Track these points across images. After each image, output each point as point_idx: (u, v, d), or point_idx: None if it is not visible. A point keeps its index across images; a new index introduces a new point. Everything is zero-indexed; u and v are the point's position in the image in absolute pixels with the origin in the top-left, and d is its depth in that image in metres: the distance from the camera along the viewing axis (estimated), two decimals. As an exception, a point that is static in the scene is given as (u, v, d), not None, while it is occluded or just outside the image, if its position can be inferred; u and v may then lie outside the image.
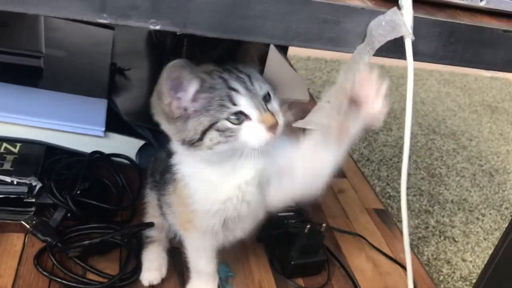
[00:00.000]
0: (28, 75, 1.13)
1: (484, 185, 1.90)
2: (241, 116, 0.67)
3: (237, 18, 0.52)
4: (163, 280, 0.91)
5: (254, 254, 1.02)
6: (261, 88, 0.70)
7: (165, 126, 0.71)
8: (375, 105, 0.60)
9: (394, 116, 2.28)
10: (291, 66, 1.89)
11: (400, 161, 1.94)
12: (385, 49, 0.56)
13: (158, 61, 1.39)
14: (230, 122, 0.67)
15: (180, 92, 0.67)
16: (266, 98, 0.71)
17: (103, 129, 1.07)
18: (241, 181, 0.74)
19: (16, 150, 1.01)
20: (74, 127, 1.05)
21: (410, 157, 1.97)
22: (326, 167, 0.71)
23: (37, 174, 0.97)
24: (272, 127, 0.68)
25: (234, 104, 0.67)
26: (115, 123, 1.10)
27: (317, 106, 0.67)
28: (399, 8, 0.55)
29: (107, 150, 1.08)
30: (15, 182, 0.94)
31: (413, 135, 2.15)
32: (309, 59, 2.71)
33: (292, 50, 2.37)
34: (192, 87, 0.67)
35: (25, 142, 1.02)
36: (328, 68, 2.64)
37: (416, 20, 0.55)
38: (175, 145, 0.75)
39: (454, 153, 2.09)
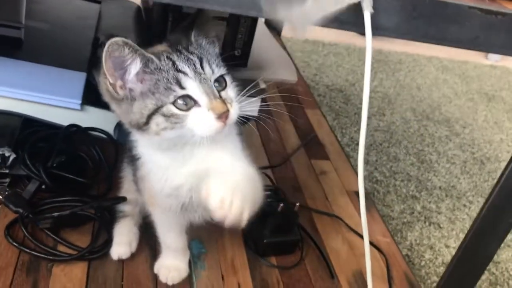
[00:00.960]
0: (7, 46, 1.11)
1: (474, 173, 1.89)
2: (189, 102, 0.65)
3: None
4: (134, 255, 0.91)
5: (228, 231, 1.02)
6: (213, 72, 0.67)
7: (113, 107, 0.69)
8: None
9: (388, 101, 2.26)
10: (283, 46, 1.87)
11: (390, 146, 1.92)
12: (345, 22, 0.55)
13: (143, 37, 1.37)
14: (177, 107, 0.64)
15: (122, 72, 0.64)
16: (221, 84, 0.68)
17: (80, 101, 1.06)
18: (191, 170, 0.72)
19: None
20: (51, 99, 1.04)
21: (401, 142, 1.98)
22: None
23: (11, 145, 0.97)
24: (222, 116, 0.65)
25: (182, 88, 0.64)
26: (94, 97, 1.07)
27: None
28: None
29: (84, 124, 1.08)
30: None
31: (406, 121, 2.14)
32: (307, 41, 2.68)
33: (288, 32, 2.34)
34: (134, 67, 0.64)
35: (1, 113, 1.02)
36: (325, 51, 2.61)
37: (376, -9, 0.54)
38: (131, 130, 0.74)
39: (446, 140, 2.07)
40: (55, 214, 0.89)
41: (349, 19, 0.54)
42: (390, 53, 2.77)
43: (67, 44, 1.20)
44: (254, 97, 0.84)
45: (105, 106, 1.08)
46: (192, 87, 0.65)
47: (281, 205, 0.96)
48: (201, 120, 0.65)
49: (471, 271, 0.86)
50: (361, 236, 1.10)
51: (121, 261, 0.90)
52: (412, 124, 2.12)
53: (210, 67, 0.67)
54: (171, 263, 0.89)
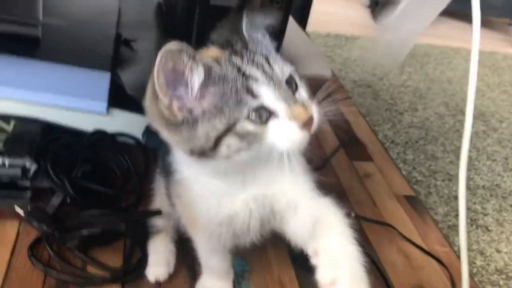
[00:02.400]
0: (24, 45, 1.04)
1: (517, 170, 1.77)
2: (264, 113, 0.53)
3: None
4: (171, 275, 0.82)
5: (273, 246, 0.92)
6: (282, 71, 0.56)
7: (166, 135, 0.57)
8: None
9: (420, 95, 2.15)
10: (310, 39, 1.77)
11: (426, 143, 1.82)
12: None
13: (166, 33, 1.28)
14: (252, 122, 0.53)
15: (181, 88, 0.52)
16: (291, 84, 0.56)
17: (106, 104, 0.98)
18: (251, 196, 0.62)
19: (9, 128, 0.93)
20: (73, 102, 0.97)
21: (437, 139, 1.86)
22: None
23: (32, 155, 0.88)
24: (307, 123, 0.54)
25: (255, 97, 0.53)
26: (119, 98, 1.00)
27: None
28: None
29: (110, 129, 1.00)
30: (7, 164, 0.86)
31: (440, 116, 2.03)
32: (329, 35, 2.58)
33: (311, 26, 2.25)
34: (196, 79, 0.52)
35: (19, 119, 0.94)
36: (348, 45, 2.51)
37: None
38: (180, 155, 0.62)
39: (484, 135, 1.96)
40: (85, 231, 0.80)
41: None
42: (416, 47, 2.65)
43: (88, 42, 1.12)
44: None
45: (132, 108, 1.01)
46: (266, 94, 0.53)
47: (334, 215, 0.85)
48: (284, 132, 0.54)
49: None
50: (418, 246, 1.01)
51: (158, 283, 0.81)
52: (447, 120, 2.01)
53: (278, 65, 0.56)
54: (214, 284, 0.80)
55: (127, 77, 1.06)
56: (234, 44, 0.57)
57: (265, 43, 0.59)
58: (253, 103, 0.53)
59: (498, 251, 1.39)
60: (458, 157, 1.73)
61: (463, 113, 2.08)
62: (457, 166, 1.69)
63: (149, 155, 0.99)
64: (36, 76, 0.98)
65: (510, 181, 1.70)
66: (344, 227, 0.59)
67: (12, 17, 1.04)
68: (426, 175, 1.64)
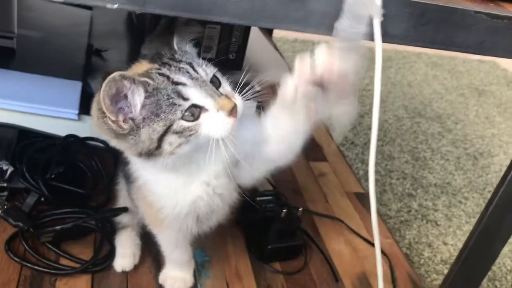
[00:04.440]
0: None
1: (468, 169, 1.90)
2: (195, 110, 0.62)
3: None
4: (137, 266, 0.91)
5: (231, 237, 1.01)
6: (206, 73, 0.65)
7: (116, 143, 0.65)
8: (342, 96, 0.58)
9: (380, 99, 2.26)
10: (275, 47, 1.87)
11: (384, 144, 1.93)
12: (354, 30, 0.54)
13: (137, 42, 1.36)
14: (186, 120, 0.62)
15: (124, 104, 0.61)
16: (215, 82, 0.66)
17: (77, 111, 1.05)
18: (209, 176, 0.71)
19: None
20: (47, 110, 1.03)
21: (394, 140, 1.98)
22: (297, 131, 0.68)
23: (8, 158, 0.95)
24: (232, 111, 0.63)
25: (185, 99, 0.62)
26: (90, 105, 1.06)
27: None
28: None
29: (82, 134, 1.06)
30: None
31: (398, 118, 2.14)
32: (296, 41, 2.68)
33: (279, 32, 2.33)
34: (138, 97, 0.61)
35: (-4, 125, 1.00)
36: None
37: (385, -1, 0.53)
38: (132, 158, 0.71)
39: (439, 137, 2.08)
40: (57, 227, 0.88)
41: (358, 28, 0.54)
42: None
43: (61, 52, 1.18)
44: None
45: None
46: (194, 95, 0.62)
47: (285, 210, 0.95)
48: (214, 122, 0.63)
49: (476, 271, 0.86)
50: (364, 238, 1.11)
51: (125, 273, 0.89)
52: (405, 122, 2.13)
53: (203, 69, 0.65)
54: (177, 274, 0.88)
55: (97, 86, 1.12)
56: (164, 56, 0.66)
57: (191, 51, 0.68)
58: (185, 105, 0.62)
59: (445, 243, 1.51)
60: (413, 157, 1.87)
61: (421, 115, 2.21)
62: (412, 165, 1.82)
63: (118, 158, 1.06)
64: (12, 85, 1.03)
65: (460, 179, 1.83)
66: None
67: (-13, 30, 1.10)
68: (382, 174, 1.75)
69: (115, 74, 0.58)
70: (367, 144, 1.90)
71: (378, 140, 1.94)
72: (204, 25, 1.30)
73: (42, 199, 0.95)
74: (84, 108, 1.05)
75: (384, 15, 0.53)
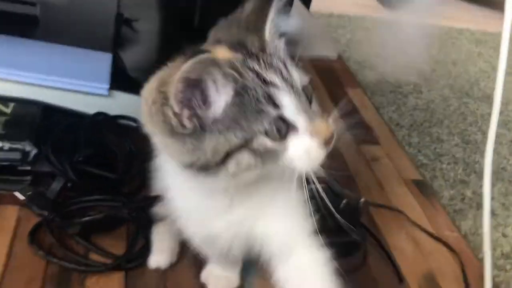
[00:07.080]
0: (21, 24, 1.02)
1: (523, 153, 1.75)
2: (282, 126, 0.47)
3: None
4: (176, 263, 0.80)
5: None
6: (300, 78, 0.50)
7: (164, 143, 0.51)
8: None
9: (424, 77, 2.12)
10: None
11: (432, 125, 1.79)
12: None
13: (169, 12, 1.25)
14: (270, 137, 0.47)
15: (197, 98, 0.47)
16: (307, 95, 0.50)
17: (108, 86, 0.97)
18: (236, 218, 0.57)
19: (8, 111, 0.91)
20: (74, 84, 0.95)
21: (442, 121, 1.84)
22: None
23: (32, 138, 0.87)
24: (328, 141, 0.48)
25: (275, 107, 0.46)
26: (121, 80, 0.98)
27: None
28: None
29: (112, 111, 0.98)
30: (6, 148, 0.84)
31: (444, 98, 2.00)
32: (332, 15, 2.53)
33: (314, 6, 2.20)
34: (225, 93, 0.46)
35: (18, 101, 0.92)
36: (352, 26, 2.46)
37: None
38: (171, 165, 0.56)
39: (489, 118, 1.92)
40: (88, 217, 0.78)
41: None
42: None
43: (88, 21, 1.10)
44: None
45: (134, 90, 0.98)
46: (288, 103, 0.47)
47: (344, 201, 0.83)
48: (305, 150, 0.48)
49: None
50: (427, 232, 0.99)
51: (162, 270, 0.79)
52: (452, 102, 1.98)
53: (296, 72, 0.50)
54: (221, 272, 0.78)
55: (129, 58, 1.04)
56: (250, 46, 0.51)
57: (282, 46, 0.53)
58: (274, 114, 0.47)
59: (505, 235, 1.37)
60: (463, 140, 1.72)
61: (468, 95, 2.06)
62: (462, 149, 1.68)
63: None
64: (36, 57, 0.96)
65: (516, 165, 1.68)
66: None
67: (8, -6, 1.02)
68: (431, 158, 1.62)
69: (207, 56, 0.44)
70: (413, 125, 1.76)
71: (425, 121, 1.80)
72: None
73: (69, 184, 0.86)
74: (115, 82, 0.97)
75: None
